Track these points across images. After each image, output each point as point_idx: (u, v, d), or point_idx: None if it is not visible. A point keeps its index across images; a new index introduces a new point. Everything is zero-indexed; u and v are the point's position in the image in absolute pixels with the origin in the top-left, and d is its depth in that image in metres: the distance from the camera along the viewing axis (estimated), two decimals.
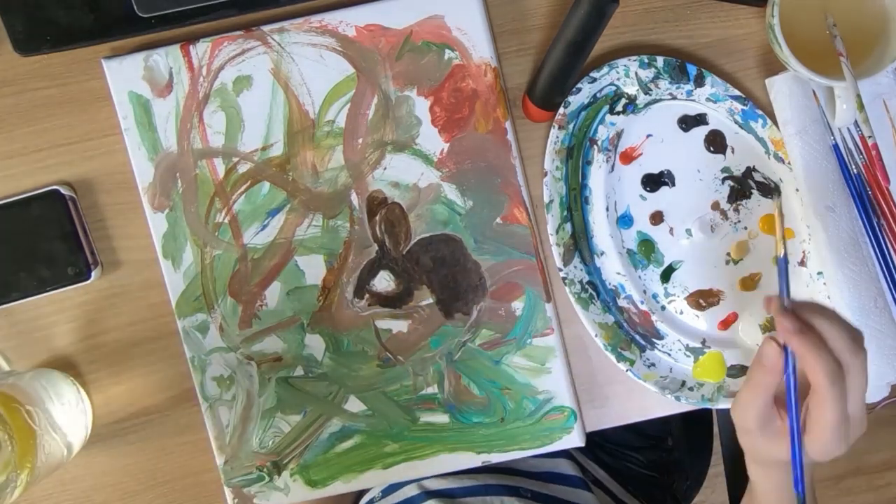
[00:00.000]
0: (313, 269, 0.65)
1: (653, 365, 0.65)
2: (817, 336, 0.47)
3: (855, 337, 0.48)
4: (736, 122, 0.65)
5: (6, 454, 0.56)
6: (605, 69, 0.64)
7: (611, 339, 0.65)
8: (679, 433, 0.88)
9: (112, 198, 0.66)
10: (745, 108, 0.64)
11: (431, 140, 0.65)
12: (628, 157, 0.65)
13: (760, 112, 0.64)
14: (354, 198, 0.65)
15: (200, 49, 0.64)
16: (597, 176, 0.65)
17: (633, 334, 0.66)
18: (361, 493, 0.82)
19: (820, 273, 0.64)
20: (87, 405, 0.66)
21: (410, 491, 0.73)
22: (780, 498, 0.55)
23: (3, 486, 0.56)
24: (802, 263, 0.65)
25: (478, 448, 0.65)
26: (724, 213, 0.65)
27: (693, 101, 0.65)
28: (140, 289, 0.66)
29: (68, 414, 0.63)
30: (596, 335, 0.64)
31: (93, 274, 0.65)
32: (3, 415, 0.57)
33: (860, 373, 0.48)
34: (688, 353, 0.65)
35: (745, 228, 0.65)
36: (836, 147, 0.64)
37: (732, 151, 0.65)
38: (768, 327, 0.63)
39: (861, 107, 0.57)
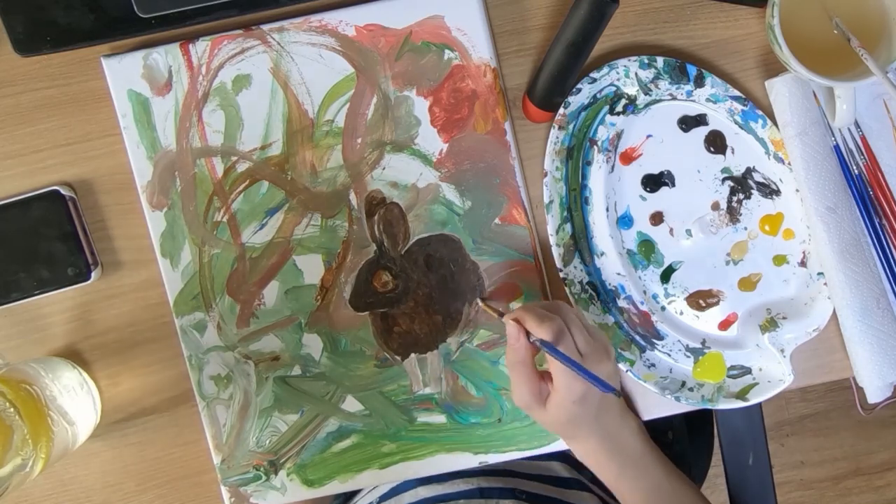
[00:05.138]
0: (311, 268, 0.65)
1: (653, 365, 0.65)
2: (532, 307, 0.58)
3: (551, 304, 0.60)
4: (736, 123, 0.64)
5: (20, 433, 0.56)
6: (605, 69, 0.64)
7: (611, 339, 0.64)
8: (680, 427, 0.87)
9: (112, 198, 0.66)
10: (745, 108, 0.64)
11: (430, 140, 0.64)
12: (628, 158, 0.65)
13: (760, 112, 0.64)
14: (353, 197, 0.65)
15: (200, 48, 0.64)
16: (597, 176, 0.65)
17: (632, 335, 0.65)
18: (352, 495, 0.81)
19: (820, 273, 0.64)
20: (91, 386, 0.66)
21: (408, 498, 0.72)
22: (608, 451, 0.60)
23: (22, 465, 0.56)
24: (803, 264, 0.65)
25: (475, 448, 0.65)
26: (724, 214, 0.65)
27: (693, 101, 0.64)
28: (140, 290, 0.66)
29: (71, 395, 0.63)
30: None
31: (93, 274, 0.65)
32: (9, 394, 0.57)
33: (569, 316, 0.58)
34: (688, 353, 0.65)
35: (745, 229, 0.65)
36: (836, 148, 0.63)
37: (732, 152, 0.65)
38: (768, 327, 0.63)
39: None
